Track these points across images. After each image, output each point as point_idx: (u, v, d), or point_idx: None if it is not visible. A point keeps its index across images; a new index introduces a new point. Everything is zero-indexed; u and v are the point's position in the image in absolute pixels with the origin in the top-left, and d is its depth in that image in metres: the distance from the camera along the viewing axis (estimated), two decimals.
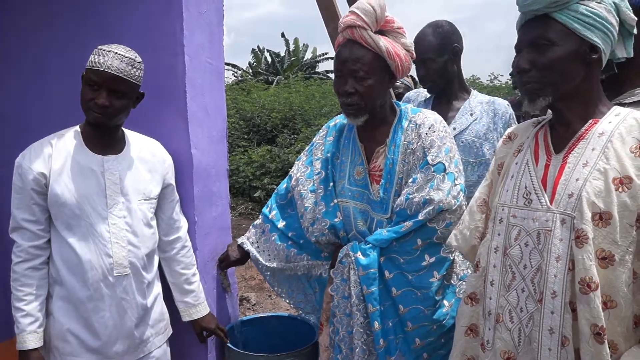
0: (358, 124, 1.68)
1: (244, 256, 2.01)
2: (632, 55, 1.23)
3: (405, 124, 1.67)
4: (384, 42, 1.57)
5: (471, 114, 2.10)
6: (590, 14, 1.15)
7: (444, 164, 1.58)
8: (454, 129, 2.09)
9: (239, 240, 2.01)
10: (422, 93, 2.30)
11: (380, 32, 1.60)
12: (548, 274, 1.16)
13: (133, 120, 1.71)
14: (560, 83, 1.19)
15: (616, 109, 1.22)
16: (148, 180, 1.71)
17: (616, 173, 1.12)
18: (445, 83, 2.17)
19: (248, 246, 1.96)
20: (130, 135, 1.75)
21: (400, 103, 1.76)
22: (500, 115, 2.09)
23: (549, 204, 1.19)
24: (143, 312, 1.69)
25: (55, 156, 1.58)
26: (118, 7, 1.88)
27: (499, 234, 1.29)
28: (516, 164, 1.31)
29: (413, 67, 1.83)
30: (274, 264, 1.89)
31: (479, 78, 15.20)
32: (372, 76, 1.58)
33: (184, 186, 1.90)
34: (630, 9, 1.20)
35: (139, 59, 1.58)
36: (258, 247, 1.96)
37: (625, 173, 1.12)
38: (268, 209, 1.97)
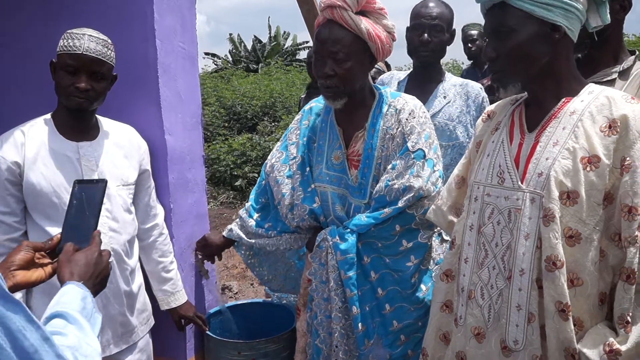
0: (337, 107, 1.66)
1: (223, 242, 1.99)
2: (608, 22, 1.22)
3: (384, 108, 1.67)
4: (364, 23, 1.55)
5: (444, 97, 2.11)
6: None
7: (423, 151, 1.59)
8: (427, 111, 2.09)
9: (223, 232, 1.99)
10: (396, 75, 2.29)
11: (362, 12, 1.58)
12: (517, 252, 1.18)
13: (105, 107, 1.68)
14: (526, 67, 1.20)
15: (590, 86, 1.22)
16: (125, 166, 1.70)
17: (584, 152, 1.14)
18: (436, 61, 2.16)
19: (230, 228, 1.93)
20: (104, 121, 1.73)
21: (379, 86, 1.75)
22: (473, 98, 2.10)
23: (519, 182, 1.21)
24: (128, 300, 1.68)
25: (29, 144, 1.54)
26: None
27: (474, 212, 1.30)
28: (492, 142, 1.32)
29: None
30: (256, 240, 1.85)
31: (463, 63, 15.24)
32: (352, 58, 1.56)
33: (158, 173, 1.88)
34: None
35: (109, 40, 1.58)
36: (239, 228, 1.93)
37: (594, 152, 1.13)
38: (248, 201, 1.96)
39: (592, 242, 1.13)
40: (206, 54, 20.33)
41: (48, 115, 1.62)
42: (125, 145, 1.71)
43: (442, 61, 2.30)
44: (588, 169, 1.13)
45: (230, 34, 20.23)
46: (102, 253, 1.04)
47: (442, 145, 2.05)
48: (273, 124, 8.99)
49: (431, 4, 2.09)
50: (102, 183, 1.15)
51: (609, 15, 1.22)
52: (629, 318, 1.09)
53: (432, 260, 1.70)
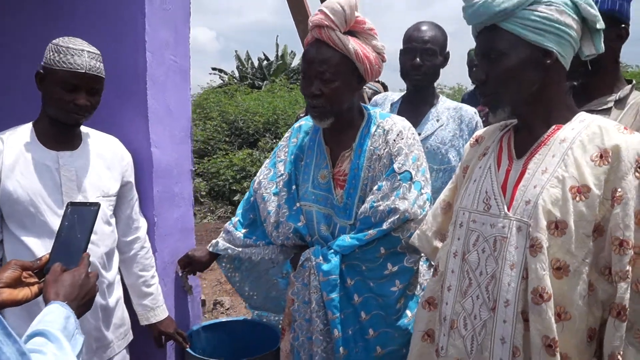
0: (324, 127, 1.64)
1: (208, 258, 1.94)
2: (602, 51, 1.19)
3: (372, 128, 1.64)
4: (352, 43, 1.52)
5: (437, 120, 2.08)
6: (540, 19, 1.11)
7: (410, 173, 1.55)
8: (419, 134, 2.06)
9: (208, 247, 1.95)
10: (390, 97, 2.26)
11: (351, 32, 1.56)
12: (502, 282, 1.13)
13: (92, 117, 1.64)
14: (516, 92, 1.17)
15: (581, 115, 1.19)
16: (107, 177, 1.66)
17: (574, 181, 1.09)
18: (429, 84, 2.14)
19: (216, 242, 1.89)
20: (87, 131, 1.69)
21: (369, 107, 1.72)
22: (466, 122, 2.07)
23: (506, 210, 1.16)
24: (103, 315, 1.63)
25: (7, 152, 1.51)
26: (80, 2, 1.81)
27: (458, 239, 1.26)
28: (480, 167, 1.28)
29: (384, 71, 1.78)
30: (243, 249, 1.82)
31: (466, 88, 15.28)
32: (339, 78, 1.53)
33: (143, 186, 1.84)
34: (592, 4, 1.15)
35: (99, 52, 1.57)
36: (225, 241, 1.89)
37: (584, 182, 1.09)
38: (235, 216, 1.93)
39: (580, 274, 1.08)
40: (214, 69, 20.51)
41: (30, 124, 1.59)
42: (107, 156, 1.68)
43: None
44: (577, 198, 1.08)
45: (236, 51, 20.42)
46: (89, 275, 1.06)
47: (433, 168, 2.01)
48: (274, 140, 8.97)
49: (424, 28, 2.07)
50: (95, 206, 1.16)
51: (603, 45, 1.19)
52: (619, 357, 1.03)
53: (419, 286, 1.65)
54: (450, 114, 2.10)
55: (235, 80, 19.44)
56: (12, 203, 1.49)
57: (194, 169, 2.11)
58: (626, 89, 1.45)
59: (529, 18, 1.12)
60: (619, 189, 1.06)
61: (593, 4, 1.15)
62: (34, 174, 1.51)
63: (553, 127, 1.18)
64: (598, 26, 1.15)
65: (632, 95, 1.45)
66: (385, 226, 1.52)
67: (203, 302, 3.88)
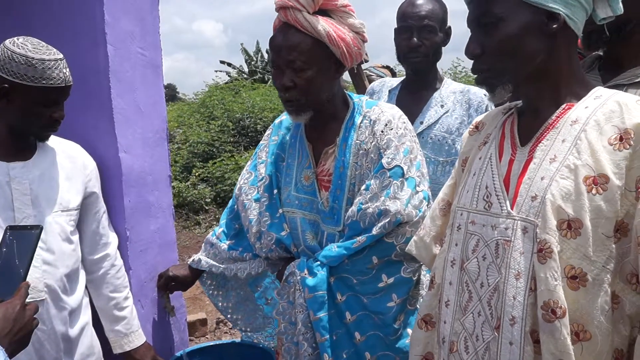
0: (301, 122, 1.56)
1: (192, 275, 1.89)
2: (621, 12, 1.08)
3: (358, 120, 1.55)
4: (323, 24, 1.44)
5: (442, 106, 1.98)
6: None
7: (402, 168, 1.46)
8: (421, 122, 1.97)
9: (188, 261, 1.91)
10: (388, 83, 2.17)
11: (322, 12, 1.47)
12: (506, 295, 1.03)
13: None
14: (518, 65, 1.07)
15: (598, 90, 1.08)
16: (66, 188, 1.62)
17: (589, 170, 0.99)
18: (430, 65, 2.04)
19: (195, 257, 1.85)
20: None
21: (354, 95, 1.63)
22: (475, 106, 1.96)
23: (509, 208, 1.06)
24: (66, 345, 1.58)
25: None
26: None
27: (456, 244, 1.16)
28: (480, 159, 1.18)
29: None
30: (227, 265, 1.77)
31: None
32: (313, 66, 1.45)
33: (112, 196, 1.79)
34: None
35: None
36: (208, 256, 1.84)
37: (601, 171, 0.98)
38: (218, 226, 1.87)
39: (601, 284, 0.97)
40: (222, 62, 20.66)
41: None
42: (66, 165, 1.63)
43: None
44: (594, 191, 0.97)
45: (242, 44, 20.53)
46: (26, 307, 1.03)
47: (438, 161, 1.92)
48: None
49: (419, 2, 1.96)
50: (36, 230, 1.15)
51: (621, 5, 1.08)
52: None
53: (420, 299, 1.55)
54: (456, 98, 1.99)
55: (244, 75, 19.51)
56: None
57: (171, 174, 2.05)
58: None
59: None
60: None
61: None
62: None
63: (563, 106, 1.07)
64: None
65: None
66: (375, 231, 1.43)
67: (204, 322, 3.85)
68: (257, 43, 20.89)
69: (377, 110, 1.54)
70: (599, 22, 1.11)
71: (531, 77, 1.08)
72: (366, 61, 2.78)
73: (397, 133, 1.49)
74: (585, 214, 0.97)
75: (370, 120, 1.53)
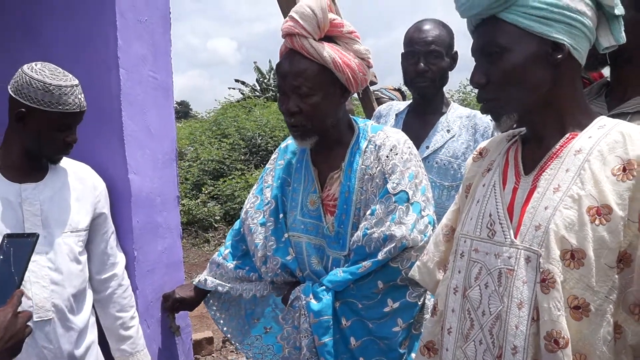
0: (307, 147, 1.59)
1: (197, 295, 1.90)
2: (624, 41, 1.09)
3: (363, 144, 1.57)
4: (329, 51, 1.46)
5: (448, 131, 1.99)
6: (545, 6, 1.03)
7: (407, 193, 1.47)
8: (427, 147, 1.98)
9: (193, 281, 1.92)
10: (395, 106, 2.19)
11: (328, 38, 1.50)
12: (508, 324, 1.02)
13: None
14: (523, 95, 1.08)
15: (601, 119, 1.09)
16: (75, 209, 1.64)
17: (592, 201, 0.99)
18: (436, 90, 2.06)
19: (201, 277, 1.86)
20: None
21: (359, 120, 1.65)
22: (481, 131, 1.97)
23: (513, 237, 1.06)
24: None
25: None
26: (48, 15, 1.83)
27: (459, 272, 1.16)
28: (483, 185, 1.19)
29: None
30: (233, 284, 1.78)
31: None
32: (318, 92, 1.47)
33: (121, 216, 1.82)
34: None
35: None
36: (214, 276, 1.85)
37: (604, 201, 0.98)
38: (224, 247, 1.88)
39: (604, 314, 0.97)
40: (236, 81, 20.89)
41: None
42: (77, 186, 1.66)
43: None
44: (597, 222, 0.98)
45: (255, 62, 20.70)
46: (18, 315, 1.02)
47: (444, 186, 1.92)
48: None
49: (426, 27, 1.99)
50: (32, 238, 1.15)
51: (623, 34, 1.09)
52: None
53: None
54: (462, 123, 2.01)
55: (257, 93, 19.69)
56: None
57: (179, 195, 2.07)
58: None
59: (531, 5, 1.03)
60: None
61: None
62: None
63: (567, 135, 1.08)
64: (617, 12, 1.06)
65: None
66: (380, 256, 1.44)
67: (210, 340, 3.85)
68: (270, 62, 21.15)
69: (382, 135, 1.56)
70: (602, 51, 1.12)
71: (536, 106, 1.09)
72: (374, 83, 2.81)
73: (402, 158, 1.50)
74: (589, 245, 0.97)
75: (376, 145, 1.54)
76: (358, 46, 1.51)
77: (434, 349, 1.23)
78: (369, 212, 1.50)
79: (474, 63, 1.16)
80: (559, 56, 1.05)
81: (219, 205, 7.87)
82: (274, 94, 19.53)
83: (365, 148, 1.56)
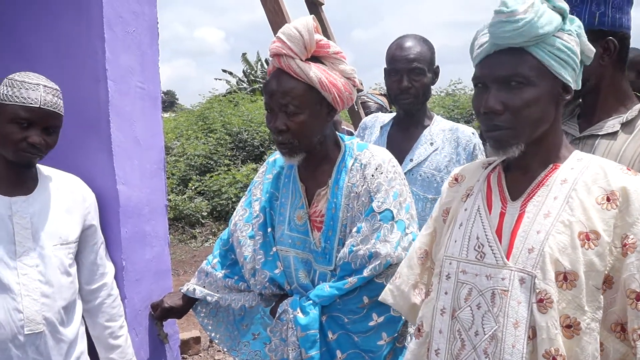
0: (294, 163, 1.58)
1: (186, 303, 1.91)
2: (579, 88, 1.15)
3: (349, 162, 1.56)
4: (315, 71, 1.46)
5: (431, 144, 2.00)
6: (565, 49, 1.06)
7: (392, 211, 1.48)
8: (411, 159, 1.98)
9: (181, 289, 1.92)
10: (380, 118, 2.19)
11: (315, 59, 1.50)
12: (505, 344, 1.05)
13: (51, 154, 1.61)
14: (535, 128, 1.10)
15: (577, 153, 1.15)
16: (65, 222, 1.61)
17: (582, 227, 1.04)
18: (420, 105, 2.06)
19: (190, 286, 1.85)
20: (44, 171, 1.64)
21: (346, 137, 1.66)
22: (463, 145, 1.98)
23: (505, 259, 1.09)
24: None
25: None
26: (35, 27, 1.78)
27: (445, 293, 1.18)
28: (465, 210, 1.20)
29: None
30: (222, 294, 1.78)
31: None
32: (305, 110, 1.47)
33: (109, 227, 1.79)
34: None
35: (58, 88, 1.55)
36: (202, 285, 1.85)
37: (592, 227, 1.03)
38: (212, 256, 1.87)
39: (592, 332, 1.02)
40: (223, 71, 20.72)
41: None
42: (67, 199, 1.63)
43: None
44: (586, 246, 1.02)
45: (244, 54, 20.52)
46: None
47: (427, 199, 1.93)
48: None
49: (407, 44, 1.99)
50: None
51: (580, 81, 1.14)
52: None
53: (409, 337, 1.56)
54: (445, 136, 2.01)
55: (244, 85, 19.55)
56: None
57: (167, 203, 2.07)
58: (635, 109, 1.36)
59: (557, 46, 1.06)
60: (631, 236, 1.01)
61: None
62: None
63: (550, 166, 1.13)
64: (587, 62, 1.13)
65: None
66: (366, 273, 1.45)
67: (197, 340, 3.85)
68: (258, 53, 20.97)
69: (367, 154, 1.56)
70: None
71: (535, 139, 1.11)
72: (360, 90, 2.81)
73: (387, 177, 1.51)
74: (580, 267, 1.02)
75: (362, 163, 1.54)
76: (344, 66, 1.51)
77: None
78: (355, 229, 1.50)
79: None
80: (567, 97, 1.10)
81: (206, 201, 7.84)
82: (261, 85, 19.41)
83: (352, 166, 1.56)
